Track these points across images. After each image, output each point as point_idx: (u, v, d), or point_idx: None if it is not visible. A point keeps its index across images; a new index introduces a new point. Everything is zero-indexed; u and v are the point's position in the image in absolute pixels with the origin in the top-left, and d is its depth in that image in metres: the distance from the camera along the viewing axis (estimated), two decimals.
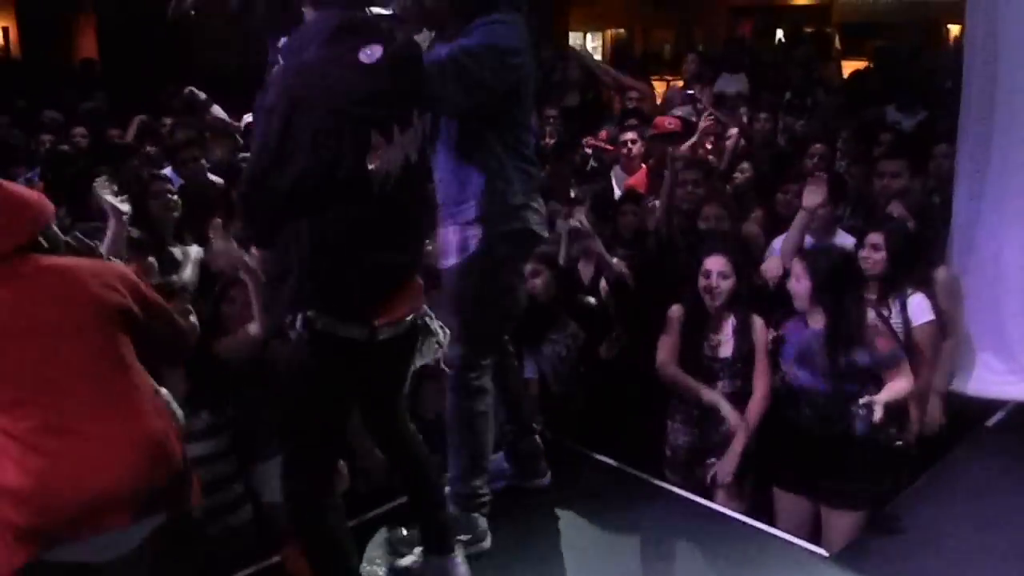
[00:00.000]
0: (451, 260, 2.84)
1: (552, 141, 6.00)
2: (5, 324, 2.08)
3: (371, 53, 2.21)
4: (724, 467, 3.40)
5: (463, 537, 2.90)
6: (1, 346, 2.07)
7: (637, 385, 3.71)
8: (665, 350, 3.57)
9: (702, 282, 3.48)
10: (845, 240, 4.03)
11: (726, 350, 3.49)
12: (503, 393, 3.22)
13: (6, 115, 7.84)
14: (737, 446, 3.39)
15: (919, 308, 3.62)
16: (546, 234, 3.02)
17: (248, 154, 2.31)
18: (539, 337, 3.85)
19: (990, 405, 4.03)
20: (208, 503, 2.81)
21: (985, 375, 4.13)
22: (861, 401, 3.04)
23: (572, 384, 3.90)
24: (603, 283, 4.03)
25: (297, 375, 2.40)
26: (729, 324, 3.51)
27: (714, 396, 3.44)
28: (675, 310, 3.59)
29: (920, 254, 3.82)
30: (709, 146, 5.29)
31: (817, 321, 3.25)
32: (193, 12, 2.79)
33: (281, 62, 2.28)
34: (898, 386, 3.17)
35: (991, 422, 3.95)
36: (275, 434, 3.00)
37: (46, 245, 2.19)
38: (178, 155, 5.01)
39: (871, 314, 3.26)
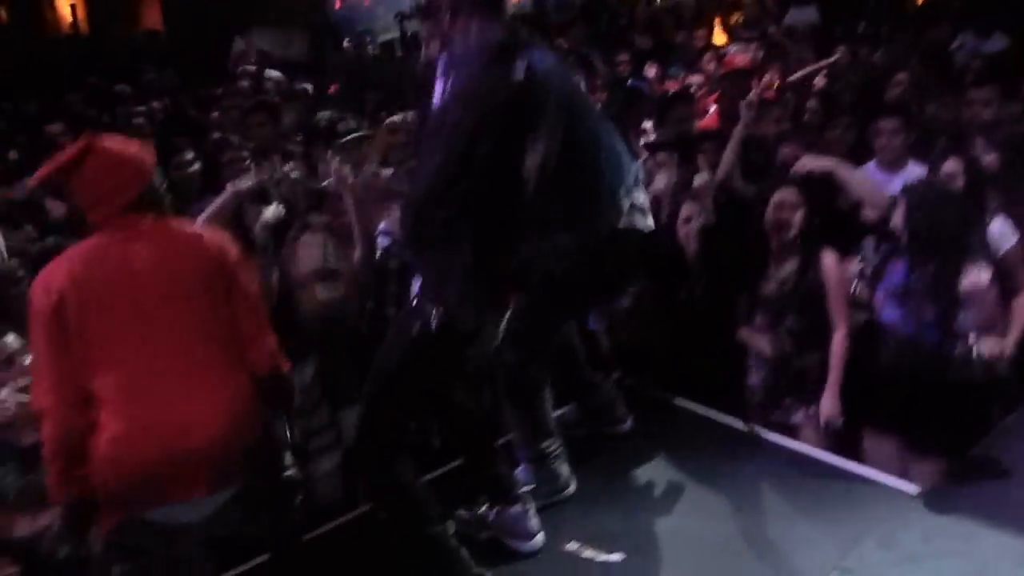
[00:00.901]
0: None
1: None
2: (113, 280, 2.15)
3: (520, 68, 2.30)
4: (828, 409, 3.32)
5: (543, 488, 2.96)
6: (106, 303, 2.13)
7: (718, 328, 3.66)
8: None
9: (770, 216, 3.41)
10: (916, 170, 3.88)
11: (790, 285, 3.42)
12: (561, 358, 3.22)
13: (79, 92, 8.05)
14: (833, 385, 3.33)
15: (1001, 234, 3.45)
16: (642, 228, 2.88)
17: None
18: (613, 287, 3.81)
19: None
20: (303, 447, 2.98)
21: None
22: (978, 347, 2.97)
23: (645, 331, 3.88)
24: (681, 228, 3.96)
25: (414, 353, 2.47)
26: (795, 259, 3.43)
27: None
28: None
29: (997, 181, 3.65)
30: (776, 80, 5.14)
31: (920, 262, 3.11)
32: None
33: (444, 72, 2.34)
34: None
35: None
36: (358, 381, 3.11)
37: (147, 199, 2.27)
38: (247, 121, 5.07)
39: (976, 271, 3.09)
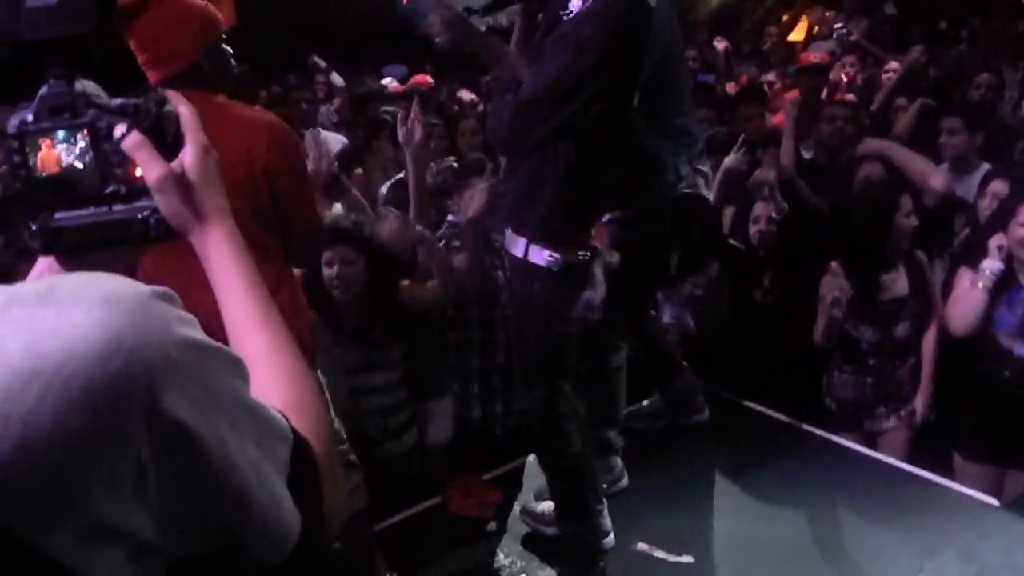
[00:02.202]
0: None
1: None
2: None
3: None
4: (923, 406, 3.30)
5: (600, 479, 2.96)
6: None
7: (791, 333, 3.59)
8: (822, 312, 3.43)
9: (900, 221, 3.29)
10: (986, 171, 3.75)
11: (901, 288, 3.34)
12: (648, 342, 3.23)
13: None
14: (926, 381, 3.29)
15: None
16: (705, 194, 2.94)
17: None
18: (677, 282, 3.79)
19: None
20: (383, 425, 3.03)
21: None
22: None
23: (716, 329, 3.84)
24: (753, 226, 3.90)
25: (543, 307, 2.52)
26: (903, 266, 3.36)
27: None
28: (834, 267, 3.39)
29: None
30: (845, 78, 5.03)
31: None
32: None
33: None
34: None
35: None
36: (442, 376, 3.21)
37: (207, 69, 2.19)
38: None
39: None
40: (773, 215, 3.79)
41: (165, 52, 2.16)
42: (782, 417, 3.49)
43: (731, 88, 5.66)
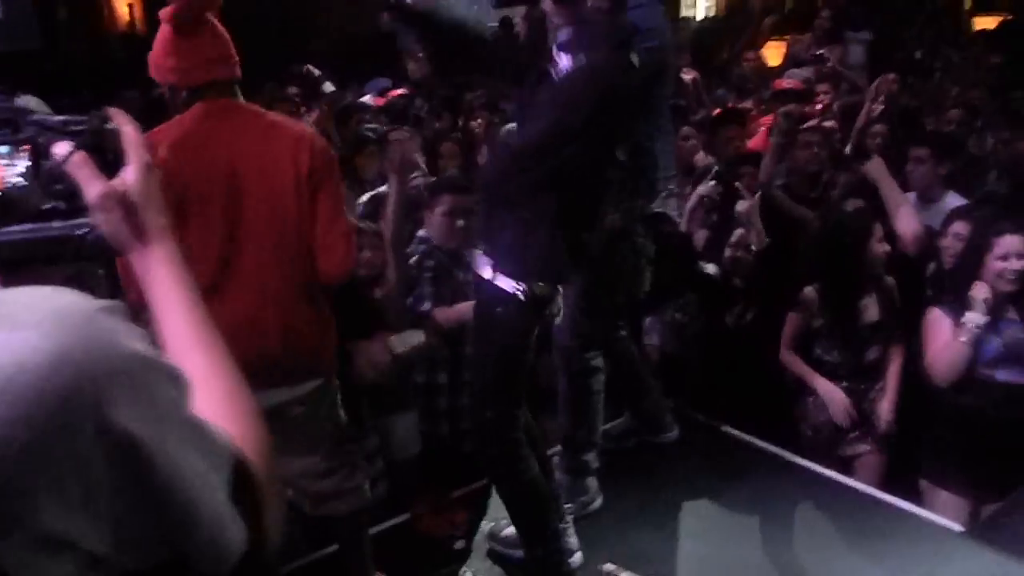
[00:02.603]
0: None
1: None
2: (212, 167, 2.16)
3: (634, 57, 2.48)
4: (886, 414, 3.34)
5: (571, 504, 2.98)
6: (204, 191, 2.14)
7: (764, 358, 3.62)
8: (789, 334, 3.48)
9: (873, 247, 3.34)
10: (954, 201, 3.82)
11: (872, 314, 3.38)
12: (619, 361, 3.27)
13: (135, 89, 8.20)
14: (892, 394, 3.35)
15: None
16: (673, 214, 3.07)
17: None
18: (659, 305, 3.82)
19: None
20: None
21: None
22: None
23: (692, 352, 3.86)
24: (729, 252, 3.94)
25: (503, 330, 2.57)
26: (874, 291, 3.40)
27: (828, 387, 3.36)
28: (809, 292, 3.44)
29: None
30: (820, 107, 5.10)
31: (1010, 314, 2.99)
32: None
33: (568, 46, 2.49)
34: None
35: None
36: (406, 390, 3.18)
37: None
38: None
39: None
40: (752, 245, 3.83)
41: (213, 60, 2.26)
42: (754, 440, 3.50)
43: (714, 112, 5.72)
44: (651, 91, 2.85)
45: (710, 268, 4.02)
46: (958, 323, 3.01)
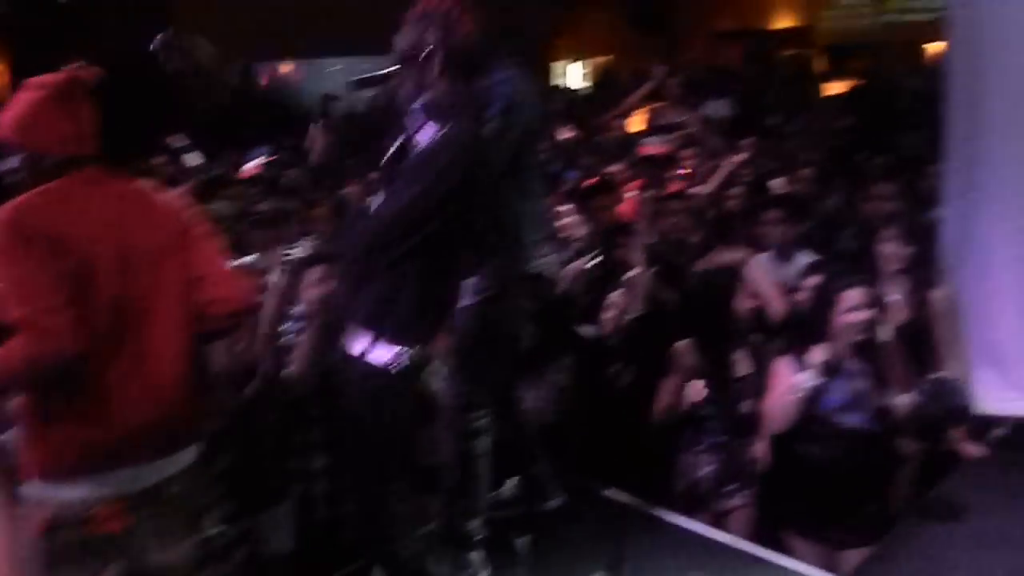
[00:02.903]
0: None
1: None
2: (100, 227, 2.13)
3: (489, 128, 2.49)
4: (760, 453, 3.39)
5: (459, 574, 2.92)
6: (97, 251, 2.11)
7: (644, 418, 3.69)
8: (669, 391, 3.54)
9: (740, 303, 3.44)
10: (807, 259, 4.04)
11: (744, 368, 3.49)
12: (505, 424, 3.24)
13: None
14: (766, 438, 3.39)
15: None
16: (553, 273, 3.12)
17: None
18: (538, 369, 3.83)
19: (988, 422, 4.02)
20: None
21: (984, 392, 4.14)
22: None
23: (573, 416, 3.88)
24: (607, 313, 4.00)
25: (381, 405, 2.55)
26: (743, 343, 3.52)
27: None
28: (682, 347, 3.53)
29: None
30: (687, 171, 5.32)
31: (854, 363, 3.18)
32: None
33: (427, 116, 2.52)
34: None
35: (990, 438, 3.94)
36: (278, 481, 3.00)
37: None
38: None
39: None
40: (630, 308, 3.91)
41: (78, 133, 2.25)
42: (636, 502, 3.52)
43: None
44: (516, 159, 2.89)
45: (589, 329, 4.09)
46: (796, 377, 3.16)
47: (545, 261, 3.13)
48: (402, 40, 2.59)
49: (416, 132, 2.54)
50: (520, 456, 3.38)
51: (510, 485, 3.47)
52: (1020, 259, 4.09)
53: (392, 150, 2.60)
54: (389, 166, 2.60)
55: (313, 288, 3.21)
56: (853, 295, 3.14)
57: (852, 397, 3.15)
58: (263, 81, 12.35)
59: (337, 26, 11.28)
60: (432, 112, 2.53)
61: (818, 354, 3.16)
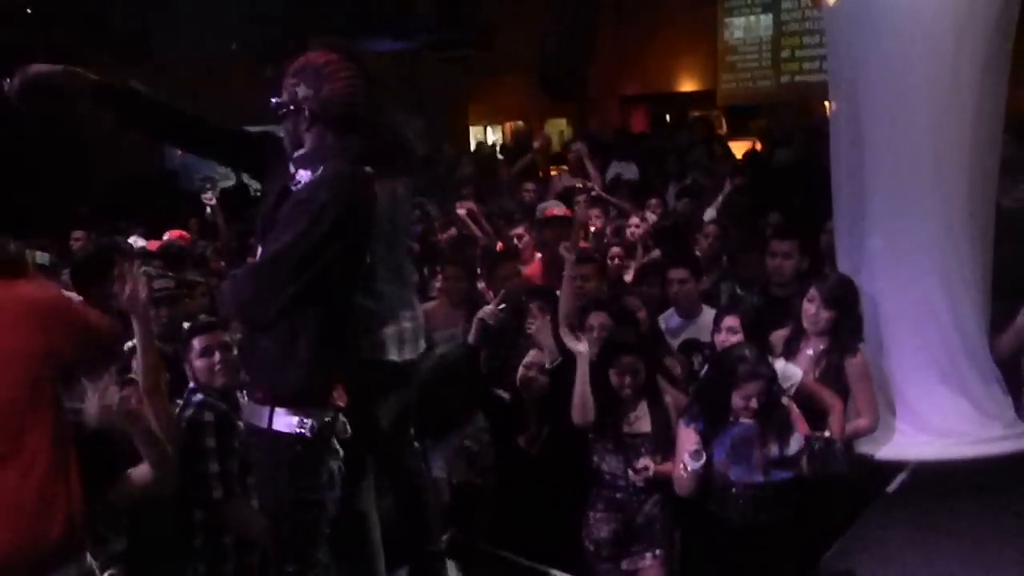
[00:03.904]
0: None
1: None
2: None
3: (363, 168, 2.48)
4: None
5: None
6: None
7: (557, 478, 3.66)
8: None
9: (614, 379, 3.49)
10: (711, 314, 4.09)
11: (644, 425, 3.50)
12: (404, 507, 3.18)
13: None
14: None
15: (784, 371, 3.61)
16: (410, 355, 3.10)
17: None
18: (447, 433, 3.79)
19: (888, 468, 4.12)
20: None
21: (889, 438, 4.25)
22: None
23: (485, 480, 3.84)
24: (521, 372, 3.97)
25: (292, 476, 2.47)
26: (643, 402, 3.53)
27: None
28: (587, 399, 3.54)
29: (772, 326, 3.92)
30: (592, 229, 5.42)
31: (745, 416, 3.24)
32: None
33: (302, 169, 2.49)
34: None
35: (892, 487, 4.03)
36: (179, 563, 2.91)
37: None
38: None
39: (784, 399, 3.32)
40: (545, 364, 3.91)
41: None
42: (540, 567, 3.49)
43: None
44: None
45: (501, 392, 4.07)
46: (693, 449, 3.23)
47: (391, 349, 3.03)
48: (279, 93, 2.56)
49: (291, 180, 2.50)
50: (420, 529, 3.29)
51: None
52: (909, 311, 4.27)
53: (269, 202, 2.54)
54: (267, 217, 2.52)
55: (199, 360, 3.12)
56: (752, 387, 3.19)
57: (734, 450, 3.21)
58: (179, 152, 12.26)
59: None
60: (304, 162, 2.49)
61: (690, 442, 3.24)
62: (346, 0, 10.49)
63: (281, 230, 2.42)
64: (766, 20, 13.77)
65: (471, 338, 4.09)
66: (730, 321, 3.69)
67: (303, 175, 2.47)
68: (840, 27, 4.51)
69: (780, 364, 3.63)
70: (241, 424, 3.06)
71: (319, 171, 2.44)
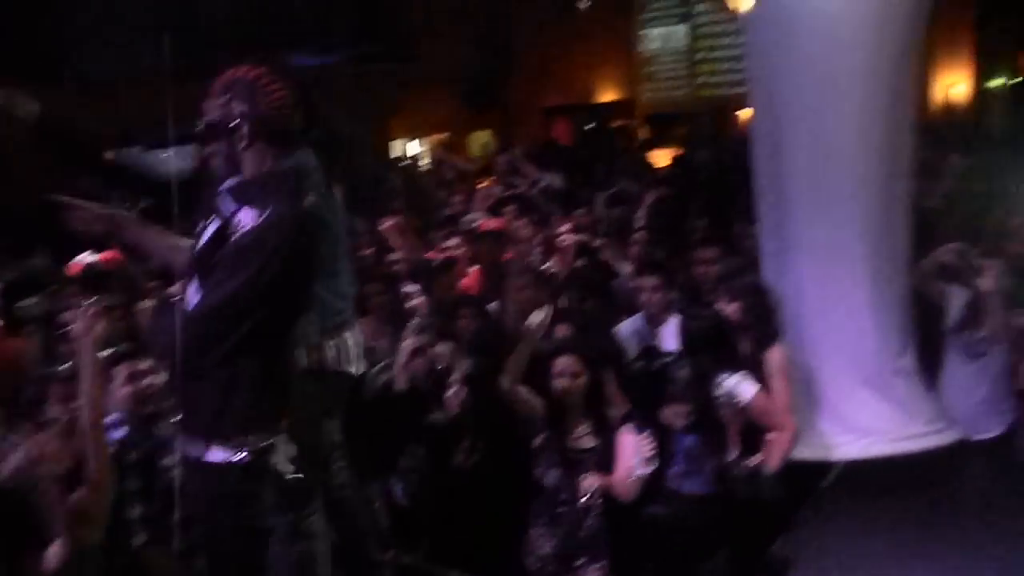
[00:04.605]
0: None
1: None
2: None
3: (310, 199, 2.37)
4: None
5: None
6: None
7: (494, 495, 3.65)
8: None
9: (555, 384, 3.49)
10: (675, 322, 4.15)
11: (588, 441, 3.50)
12: (343, 532, 3.11)
13: None
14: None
15: (738, 387, 3.67)
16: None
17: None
18: (387, 459, 3.75)
19: (820, 468, 4.21)
20: None
21: (817, 439, 4.35)
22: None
23: (425, 501, 3.81)
24: (450, 391, 3.94)
25: (229, 507, 2.41)
26: (588, 417, 3.52)
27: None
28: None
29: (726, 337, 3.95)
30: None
31: (693, 430, 3.28)
32: None
33: (243, 197, 2.38)
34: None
35: (822, 487, 4.12)
36: None
37: None
38: None
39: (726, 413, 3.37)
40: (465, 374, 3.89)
41: None
42: None
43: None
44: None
45: (436, 413, 4.04)
46: (647, 455, 3.26)
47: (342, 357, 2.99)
48: (208, 112, 2.43)
49: (232, 217, 2.38)
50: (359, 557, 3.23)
51: None
52: (832, 312, 4.39)
53: (207, 238, 2.44)
54: (205, 255, 2.42)
55: (125, 387, 3.02)
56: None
57: (686, 464, 3.22)
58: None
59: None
60: (245, 195, 2.39)
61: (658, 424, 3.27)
62: (264, 15, 10.33)
63: (225, 275, 2.34)
64: (682, 30, 14.11)
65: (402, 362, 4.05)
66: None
67: (246, 216, 2.36)
68: (757, 34, 4.61)
69: (734, 380, 3.67)
70: (170, 458, 2.98)
71: (265, 213, 2.34)
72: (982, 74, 14.23)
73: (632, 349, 4.20)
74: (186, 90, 2.53)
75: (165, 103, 2.49)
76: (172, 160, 2.84)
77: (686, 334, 3.74)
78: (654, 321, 4.25)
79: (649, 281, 4.32)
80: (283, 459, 2.53)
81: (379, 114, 13.85)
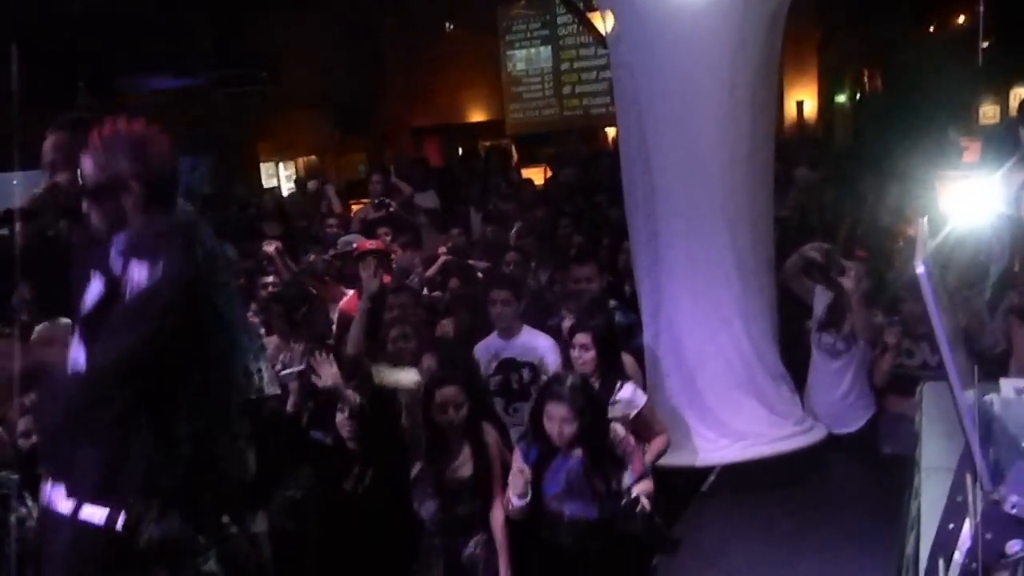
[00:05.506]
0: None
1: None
2: None
3: (199, 252, 2.31)
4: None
5: None
6: None
7: (385, 519, 3.59)
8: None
9: (438, 416, 3.46)
10: (529, 335, 4.22)
11: (466, 471, 3.48)
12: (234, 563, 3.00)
13: None
14: (504, 554, 3.40)
15: (634, 395, 3.74)
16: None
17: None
18: (269, 488, 3.62)
19: (697, 473, 4.34)
20: None
21: (696, 444, 4.48)
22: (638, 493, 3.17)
23: (309, 528, 3.70)
24: (339, 416, 3.84)
25: (96, 569, 2.28)
26: (467, 446, 3.50)
27: None
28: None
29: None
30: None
31: (575, 451, 3.24)
32: None
33: (130, 252, 2.27)
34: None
35: (702, 490, 4.24)
36: None
37: None
38: None
39: (619, 429, 3.37)
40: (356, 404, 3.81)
41: None
42: None
43: None
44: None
45: (321, 436, 3.93)
46: (519, 491, 3.24)
47: (264, 381, 2.90)
48: (89, 169, 2.34)
49: (122, 274, 2.28)
50: None
51: None
52: (705, 322, 4.54)
53: (96, 296, 2.32)
54: (92, 313, 2.31)
55: None
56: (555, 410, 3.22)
57: (568, 486, 3.23)
58: None
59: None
60: (136, 251, 2.29)
61: (521, 480, 3.26)
62: (120, 38, 9.89)
63: (119, 333, 2.25)
64: (546, 52, 14.42)
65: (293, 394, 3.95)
66: (582, 338, 3.71)
67: (139, 272, 2.26)
68: (622, 54, 4.71)
69: (629, 390, 3.72)
70: (27, 506, 2.80)
71: (158, 268, 2.24)
72: (827, 91, 15.17)
73: (486, 366, 4.22)
74: (35, 114, 2.41)
75: (11, 128, 2.37)
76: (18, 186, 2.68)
77: (596, 335, 3.73)
78: (506, 334, 4.28)
79: (502, 294, 4.34)
80: (169, 523, 2.43)
81: (245, 137, 13.53)
